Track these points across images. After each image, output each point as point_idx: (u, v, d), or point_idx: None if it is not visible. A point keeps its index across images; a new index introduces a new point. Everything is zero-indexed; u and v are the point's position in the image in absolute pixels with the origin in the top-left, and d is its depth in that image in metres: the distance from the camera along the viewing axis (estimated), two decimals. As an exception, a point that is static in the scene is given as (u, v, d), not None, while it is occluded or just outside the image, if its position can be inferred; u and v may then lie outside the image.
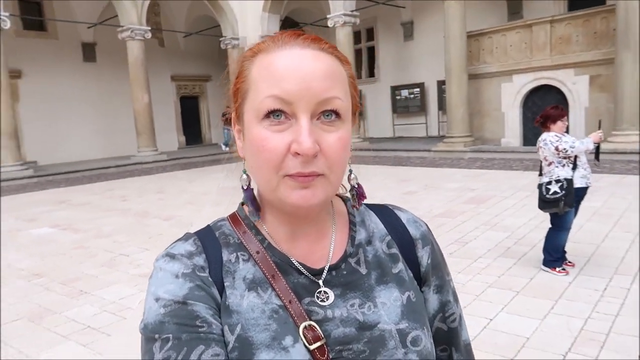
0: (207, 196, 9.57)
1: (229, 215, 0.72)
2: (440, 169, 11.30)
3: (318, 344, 0.61)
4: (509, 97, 12.77)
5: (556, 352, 2.93)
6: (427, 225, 0.78)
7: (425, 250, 0.74)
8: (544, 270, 4.24)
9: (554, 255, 4.19)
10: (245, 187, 0.68)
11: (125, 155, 16.45)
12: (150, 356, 0.58)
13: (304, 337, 0.61)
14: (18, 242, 6.61)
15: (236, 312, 0.62)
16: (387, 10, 17.44)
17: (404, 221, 0.76)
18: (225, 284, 0.64)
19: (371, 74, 19.61)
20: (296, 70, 0.59)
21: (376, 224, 0.75)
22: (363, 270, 0.69)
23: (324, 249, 0.69)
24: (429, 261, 0.74)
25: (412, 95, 17.60)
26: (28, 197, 10.78)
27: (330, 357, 0.62)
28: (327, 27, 15.49)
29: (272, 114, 0.59)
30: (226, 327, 0.61)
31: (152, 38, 16.88)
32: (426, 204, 7.39)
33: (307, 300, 0.64)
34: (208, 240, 0.68)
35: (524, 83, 12.42)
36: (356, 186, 0.72)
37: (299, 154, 0.57)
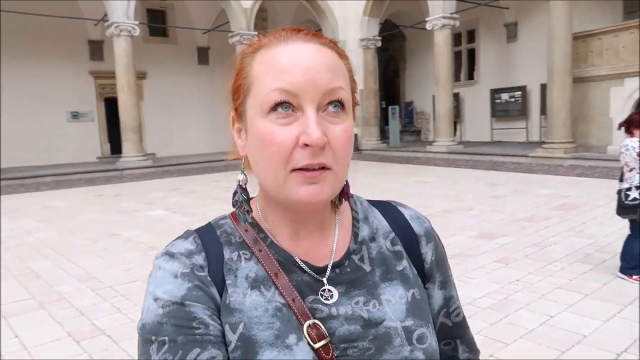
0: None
1: (231, 213, 0.72)
2: (535, 175, 10.97)
3: (322, 342, 0.61)
4: (619, 102, 11.97)
5: (611, 350, 3.02)
6: (429, 221, 0.78)
7: (429, 246, 0.74)
8: (620, 277, 4.20)
9: (631, 262, 4.14)
10: (243, 186, 0.69)
11: (230, 150, 17.85)
12: (146, 358, 0.58)
13: (308, 335, 0.61)
14: (138, 221, 7.68)
15: (238, 311, 0.62)
16: (490, 11, 17.03)
17: (407, 217, 0.76)
18: (226, 283, 0.64)
19: (470, 76, 19.24)
20: (301, 62, 0.59)
21: (379, 220, 0.74)
22: (367, 267, 0.69)
23: (327, 246, 0.69)
24: (433, 257, 0.74)
25: (512, 99, 17.02)
26: (147, 185, 12.23)
27: (335, 355, 0.62)
28: (425, 29, 15.54)
29: (279, 106, 0.59)
30: (227, 327, 0.61)
31: (258, 42, 18.06)
32: (511, 208, 7.35)
33: (310, 298, 0.64)
34: (208, 238, 0.68)
35: (637, 87, 11.59)
36: (344, 182, 0.68)
37: (307, 145, 0.58)
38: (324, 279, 0.66)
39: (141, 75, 17.45)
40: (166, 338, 0.58)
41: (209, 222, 0.71)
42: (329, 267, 0.67)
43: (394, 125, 18.17)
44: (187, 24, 18.29)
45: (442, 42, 14.90)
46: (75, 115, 17.46)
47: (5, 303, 4.20)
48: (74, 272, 5.06)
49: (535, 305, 3.75)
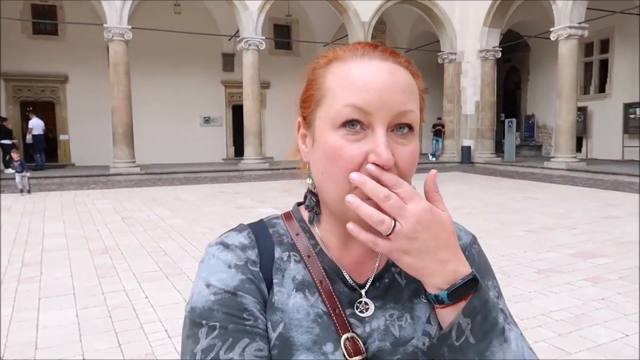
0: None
1: (283, 214, 0.73)
2: (664, 198, 10.01)
3: (358, 357, 0.62)
4: None
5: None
6: (471, 235, 0.77)
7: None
8: None
9: None
10: (313, 191, 0.69)
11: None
12: (194, 340, 0.59)
13: (345, 347, 0.62)
14: (249, 216, 8.57)
15: (281, 310, 0.63)
16: (628, 19, 15.75)
17: None
18: (274, 281, 0.65)
19: (601, 89, 17.87)
20: (377, 81, 0.59)
21: None
22: (402, 281, 0.69)
23: (372, 260, 0.69)
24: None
25: (649, 115, 15.54)
26: (263, 185, 13.35)
27: None
28: (549, 39, 14.86)
29: (350, 122, 0.59)
30: (269, 324, 0.62)
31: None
32: (621, 230, 6.94)
33: (349, 311, 0.65)
34: (261, 235, 0.69)
35: None
36: None
37: (376, 165, 0.58)
38: (363, 291, 0.67)
39: (265, 85, 18.95)
40: (217, 324, 0.59)
41: (262, 219, 0.73)
42: (370, 280, 0.68)
43: (510, 139, 17.53)
44: (309, 37, 19.47)
45: (566, 53, 14.15)
46: (207, 120, 19.53)
47: (140, 272, 5.15)
48: (194, 253, 5.94)
49: (614, 324, 3.72)
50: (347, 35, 17.18)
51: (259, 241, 0.68)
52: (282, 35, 19.96)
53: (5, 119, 15.04)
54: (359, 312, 0.66)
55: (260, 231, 0.69)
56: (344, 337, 0.62)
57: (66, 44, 16.95)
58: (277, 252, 0.67)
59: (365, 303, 0.66)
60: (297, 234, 0.69)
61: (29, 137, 15.11)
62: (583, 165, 14.11)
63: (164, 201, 10.47)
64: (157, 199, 10.77)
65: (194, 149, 18.87)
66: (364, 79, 0.60)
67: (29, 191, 11.37)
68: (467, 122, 18.31)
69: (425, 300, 0.68)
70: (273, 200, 10.44)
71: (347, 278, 0.67)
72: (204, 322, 0.60)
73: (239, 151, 18.57)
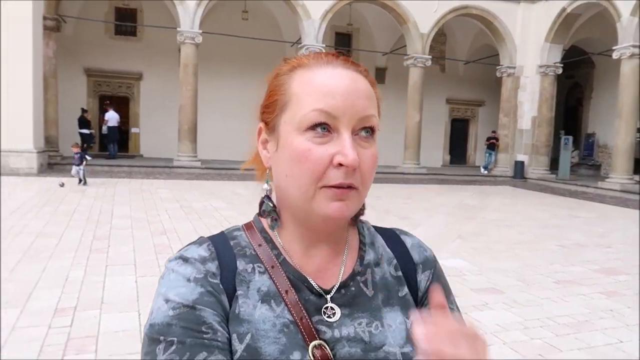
0: (443, 207, 10.77)
1: (245, 225, 0.73)
2: None
3: None
4: None
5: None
6: (431, 251, 0.80)
7: (424, 274, 0.76)
8: None
9: None
10: (270, 195, 0.71)
11: (391, 165, 18.89)
12: (152, 357, 0.59)
13: (313, 355, 0.63)
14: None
15: (247, 322, 0.63)
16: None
17: (408, 246, 0.78)
18: (238, 293, 0.65)
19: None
20: (342, 87, 0.62)
21: (384, 246, 0.77)
22: (369, 292, 0.70)
23: (336, 266, 0.71)
24: (427, 285, 0.75)
25: None
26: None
27: None
28: (610, 57, 14.56)
29: (318, 126, 0.61)
30: (234, 336, 0.62)
31: (435, 64, 18.93)
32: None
33: (316, 318, 0.66)
34: (222, 247, 0.69)
35: None
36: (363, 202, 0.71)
37: (342, 165, 0.60)
38: (328, 297, 0.68)
39: (323, 91, 19.63)
40: (175, 339, 0.59)
41: (222, 232, 0.73)
42: (336, 287, 0.69)
43: (565, 157, 17.23)
44: (369, 46, 19.99)
45: (628, 72, 13.84)
46: (265, 121, 20.43)
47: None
48: (240, 240, 6.60)
49: (613, 331, 3.98)
50: (405, 45, 17.54)
51: (220, 253, 0.68)
52: (343, 43, 20.58)
53: (86, 111, 16.58)
54: (327, 317, 0.66)
55: (220, 243, 0.70)
56: (311, 344, 0.63)
57: (143, 45, 18.39)
58: (241, 264, 0.67)
59: (332, 308, 0.67)
60: (260, 245, 0.70)
61: (104, 128, 16.58)
62: (637, 187, 13.72)
63: (221, 194, 11.29)
64: (215, 192, 11.61)
65: (254, 148, 19.78)
66: (329, 85, 0.63)
67: (84, 183, 11.48)
68: (523, 137, 18.13)
69: (396, 307, 0.71)
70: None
71: (313, 285, 0.68)
72: (161, 338, 0.59)
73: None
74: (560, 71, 17.43)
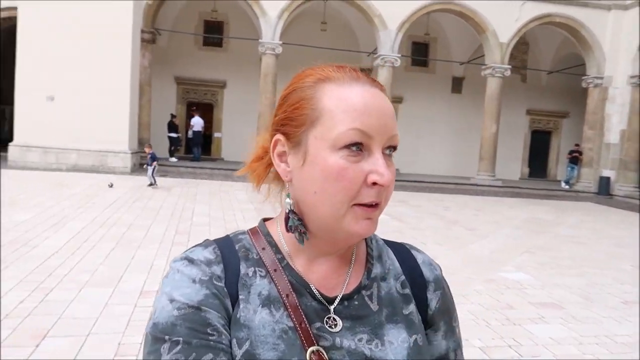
0: (514, 220, 10.55)
1: (250, 230, 0.73)
2: None
3: None
4: None
5: None
6: (440, 269, 0.79)
7: (435, 294, 0.75)
8: None
9: None
10: (294, 210, 0.68)
11: (465, 176, 18.55)
12: (156, 356, 0.59)
13: None
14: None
15: (247, 327, 0.63)
16: None
17: (419, 262, 0.78)
18: (239, 297, 0.65)
19: None
20: (376, 107, 0.63)
21: (392, 261, 0.76)
22: (374, 306, 0.70)
23: (340, 277, 0.70)
24: (437, 305, 0.75)
25: None
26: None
27: None
28: None
29: (353, 145, 0.61)
30: (234, 341, 0.62)
31: (515, 74, 18.41)
32: None
33: (317, 324, 0.66)
34: (227, 250, 0.69)
35: None
36: None
37: (375, 185, 0.61)
38: (332, 307, 0.67)
39: (398, 100, 19.74)
40: (180, 339, 0.59)
41: (228, 235, 0.73)
42: (339, 297, 0.68)
43: (657, 174, 16.04)
44: (446, 55, 19.83)
45: None
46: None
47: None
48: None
49: (674, 354, 3.87)
50: (483, 55, 17.25)
51: (225, 257, 0.68)
52: (419, 52, 20.57)
53: (174, 116, 17.91)
54: (328, 327, 0.66)
55: (226, 247, 0.70)
56: (309, 350, 0.63)
57: (228, 55, 19.54)
58: (243, 268, 0.67)
59: (334, 319, 0.67)
60: (263, 249, 0.70)
61: (190, 133, 17.80)
62: None
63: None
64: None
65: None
66: (364, 104, 0.62)
67: (154, 183, 11.59)
68: (610, 151, 17.12)
69: (400, 324, 0.69)
70: (388, 209, 11.12)
71: (315, 292, 0.67)
72: (166, 337, 0.59)
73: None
74: (654, 82, 16.30)
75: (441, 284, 0.77)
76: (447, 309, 0.77)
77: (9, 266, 4.83)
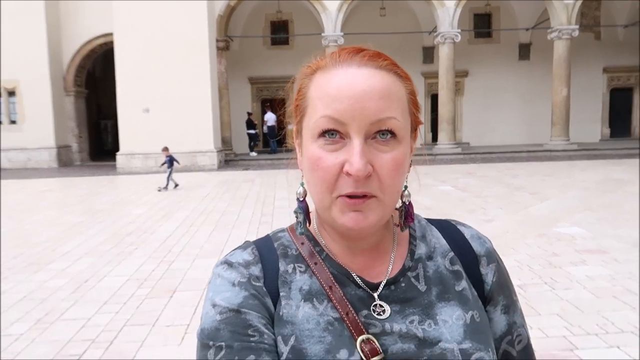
0: (584, 183, 10.68)
1: (289, 227, 0.74)
2: None
3: (376, 358, 0.61)
4: None
5: None
6: (490, 242, 0.76)
7: (490, 267, 0.73)
8: None
9: None
10: (300, 199, 0.69)
11: (538, 142, 18.33)
12: None
13: (361, 350, 0.61)
14: (429, 192, 10.13)
15: (290, 323, 0.63)
16: None
17: (468, 237, 0.75)
18: (280, 294, 0.65)
19: None
20: (349, 90, 0.59)
21: (438, 239, 0.74)
22: (422, 287, 0.68)
23: (384, 263, 0.69)
24: (494, 279, 0.72)
25: None
26: (451, 167, 14.61)
27: None
28: None
29: (326, 133, 0.60)
30: (279, 338, 0.62)
31: (587, 33, 17.84)
32: None
33: (364, 312, 0.64)
34: (266, 249, 0.70)
35: None
36: (407, 203, 0.70)
37: (351, 175, 0.58)
38: (376, 294, 0.66)
39: (463, 74, 19.85)
40: (223, 344, 0.60)
41: (268, 235, 0.74)
42: (383, 283, 0.67)
43: None
44: (511, 23, 19.57)
45: None
46: (408, 109, 21.37)
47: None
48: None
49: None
50: (549, 18, 16.92)
51: (263, 256, 0.69)
52: (482, 24, 20.44)
53: (251, 114, 19.39)
54: (376, 314, 0.65)
55: (265, 246, 0.71)
56: (359, 339, 0.62)
57: (294, 51, 20.65)
58: (282, 265, 0.68)
59: (381, 306, 0.65)
60: (302, 243, 0.70)
61: (265, 128, 19.20)
62: None
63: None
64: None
65: None
66: (337, 89, 0.60)
67: (165, 187, 11.23)
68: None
69: (452, 301, 0.67)
70: (453, 180, 11.75)
71: (358, 280, 0.67)
72: (211, 343, 0.61)
73: (434, 137, 19.96)
74: None
75: (494, 257, 0.74)
76: (505, 282, 0.74)
77: (138, 247, 6.20)
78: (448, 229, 0.76)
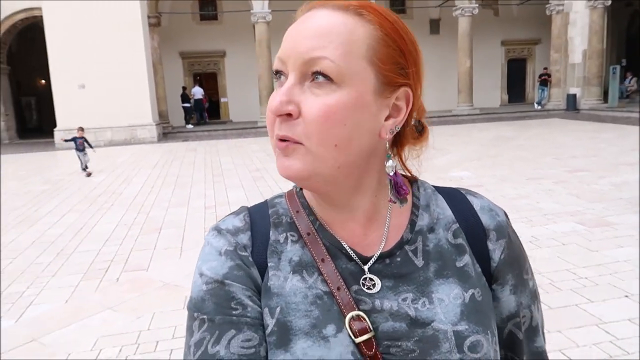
0: (480, 140, 12.88)
1: (287, 192, 0.70)
2: None
3: (366, 336, 0.58)
4: None
5: None
6: (506, 214, 0.69)
7: (499, 243, 0.66)
8: None
9: None
10: None
11: (446, 109, 20.71)
12: (190, 333, 0.60)
13: (350, 327, 0.58)
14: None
15: (277, 295, 0.60)
16: None
17: (477, 208, 0.68)
18: (269, 265, 0.62)
19: None
20: (295, 29, 0.57)
21: (443, 209, 0.67)
22: (419, 262, 0.63)
23: (376, 231, 0.64)
24: (502, 256, 0.66)
25: None
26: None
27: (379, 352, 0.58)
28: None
29: (277, 73, 0.59)
30: (266, 310, 0.60)
31: (487, 9, 20.13)
32: None
33: (355, 288, 0.61)
34: (259, 216, 0.67)
35: None
36: (391, 174, 0.62)
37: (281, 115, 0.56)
38: (366, 267, 0.62)
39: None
40: (205, 317, 0.59)
41: (265, 200, 0.70)
42: (376, 255, 0.62)
43: (613, 85, 18.15)
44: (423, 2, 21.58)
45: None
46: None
47: (279, 180, 8.73)
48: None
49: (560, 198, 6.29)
50: (453, -3, 18.95)
51: (255, 223, 0.65)
52: (398, 3, 22.25)
53: (185, 88, 20.14)
54: (366, 288, 0.61)
55: (258, 213, 0.67)
56: (348, 316, 0.59)
57: (224, 27, 21.45)
58: (273, 234, 0.64)
59: (371, 279, 0.61)
60: (297, 212, 0.66)
61: (192, 102, 20.16)
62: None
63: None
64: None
65: None
66: (289, 30, 0.58)
67: (85, 168, 10.51)
68: (574, 71, 19.11)
69: (451, 278, 0.62)
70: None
71: (350, 252, 0.62)
72: (196, 314, 0.60)
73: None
74: (609, 2, 18.04)
75: (505, 232, 0.67)
76: (516, 260, 0.67)
77: (114, 204, 7.36)
78: (455, 198, 0.69)
